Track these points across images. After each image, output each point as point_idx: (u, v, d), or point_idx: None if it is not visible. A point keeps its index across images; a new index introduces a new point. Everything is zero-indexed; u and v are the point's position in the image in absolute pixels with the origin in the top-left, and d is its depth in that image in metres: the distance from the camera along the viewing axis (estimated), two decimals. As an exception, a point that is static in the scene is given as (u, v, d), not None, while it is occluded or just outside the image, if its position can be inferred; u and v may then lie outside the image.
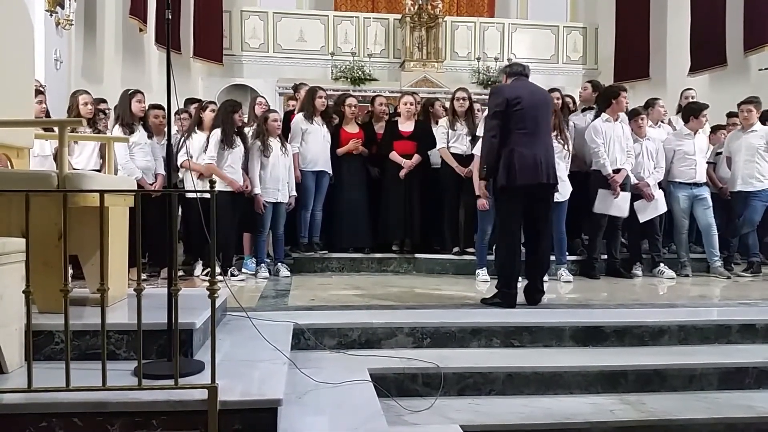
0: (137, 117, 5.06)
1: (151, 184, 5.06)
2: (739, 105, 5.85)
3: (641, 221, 5.48)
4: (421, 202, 5.74)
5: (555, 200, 5.12)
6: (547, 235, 4.23)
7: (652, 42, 10.42)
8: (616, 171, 5.33)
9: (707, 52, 8.94)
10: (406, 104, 5.78)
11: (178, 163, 5.03)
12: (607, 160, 5.32)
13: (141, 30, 8.46)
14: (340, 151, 5.74)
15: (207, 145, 4.99)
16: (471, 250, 5.58)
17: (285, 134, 5.48)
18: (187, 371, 2.21)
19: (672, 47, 10.09)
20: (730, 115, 6.35)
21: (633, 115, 5.62)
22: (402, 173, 5.62)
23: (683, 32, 9.49)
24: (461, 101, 5.60)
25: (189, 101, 6.03)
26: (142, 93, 5.15)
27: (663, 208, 5.55)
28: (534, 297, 4.13)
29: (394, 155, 5.67)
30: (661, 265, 5.58)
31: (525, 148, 3.93)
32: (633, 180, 5.47)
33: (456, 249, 5.64)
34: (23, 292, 1.98)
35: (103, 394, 1.99)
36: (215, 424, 1.98)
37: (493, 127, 4.04)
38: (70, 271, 2.76)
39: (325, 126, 5.68)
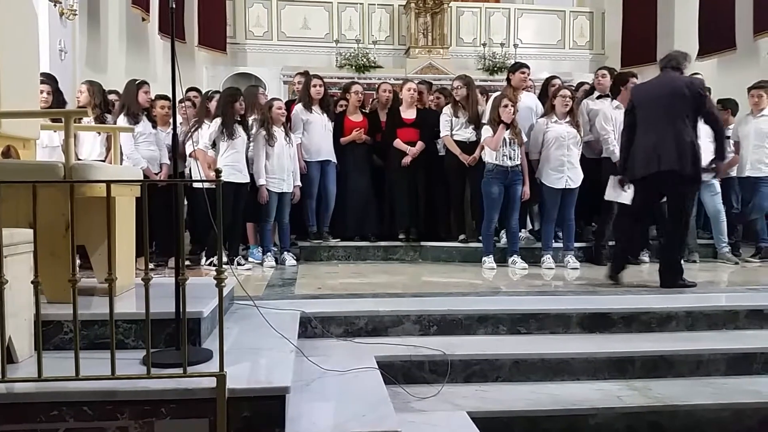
0: (142, 107, 5.07)
1: (156, 174, 5.07)
2: (749, 89, 5.78)
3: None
4: (427, 190, 5.72)
5: (568, 187, 5.14)
6: (675, 224, 4.31)
7: (660, 26, 10.29)
8: None
9: (716, 36, 8.81)
10: (409, 90, 5.72)
11: (187, 153, 5.04)
12: (617, 146, 5.28)
13: (144, 20, 8.44)
14: (344, 140, 5.72)
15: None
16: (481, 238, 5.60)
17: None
18: (196, 360, 2.22)
19: (680, 31, 9.96)
20: (718, 102, 6.16)
21: None
22: (405, 161, 5.59)
23: (691, 16, 9.36)
24: (456, 90, 5.59)
25: (190, 90, 6.03)
26: (148, 84, 5.16)
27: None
28: (665, 279, 4.27)
29: (398, 143, 5.64)
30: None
31: (640, 143, 4.29)
32: None
33: (462, 236, 5.63)
34: (32, 282, 1.99)
35: (113, 383, 2.01)
36: (224, 412, 2.00)
37: (624, 127, 4.53)
38: (78, 262, 2.78)
39: (325, 115, 5.64)
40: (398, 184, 5.68)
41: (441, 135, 5.61)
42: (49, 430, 1.99)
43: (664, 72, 4.38)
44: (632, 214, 4.53)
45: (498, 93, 5.42)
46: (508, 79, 5.64)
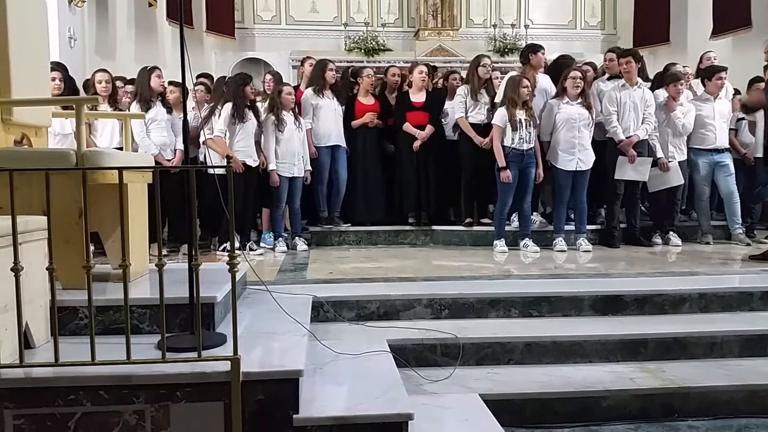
0: (156, 93, 5.07)
1: (169, 160, 5.08)
2: (765, 68, 5.67)
3: (650, 191, 5.39)
4: (437, 173, 5.67)
5: (579, 169, 5.11)
6: None
7: (673, 5, 10.12)
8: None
9: (730, 14, 8.65)
10: (421, 73, 5.65)
11: (201, 140, 5.04)
12: (619, 127, 5.24)
13: (152, 5, 8.42)
14: (355, 123, 5.69)
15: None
16: (485, 220, 5.57)
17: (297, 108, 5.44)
18: (210, 344, 2.24)
19: (693, 10, 9.79)
20: (754, 81, 6.06)
21: (670, 80, 5.47)
22: (416, 145, 5.54)
23: (706, -7, 9.20)
24: (486, 67, 5.49)
25: (201, 76, 6.02)
26: (159, 69, 5.15)
27: (676, 181, 5.43)
28: None
29: (407, 126, 5.59)
30: (670, 233, 5.51)
31: None
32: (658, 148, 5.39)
33: (468, 220, 5.59)
34: (47, 269, 2.01)
35: (128, 367, 2.03)
36: (238, 395, 2.02)
37: None
38: (92, 248, 2.80)
39: (335, 99, 5.61)
40: (407, 167, 5.64)
41: (456, 116, 5.51)
42: (66, 413, 2.02)
43: None
44: None
45: (513, 73, 5.36)
46: (527, 60, 5.51)
